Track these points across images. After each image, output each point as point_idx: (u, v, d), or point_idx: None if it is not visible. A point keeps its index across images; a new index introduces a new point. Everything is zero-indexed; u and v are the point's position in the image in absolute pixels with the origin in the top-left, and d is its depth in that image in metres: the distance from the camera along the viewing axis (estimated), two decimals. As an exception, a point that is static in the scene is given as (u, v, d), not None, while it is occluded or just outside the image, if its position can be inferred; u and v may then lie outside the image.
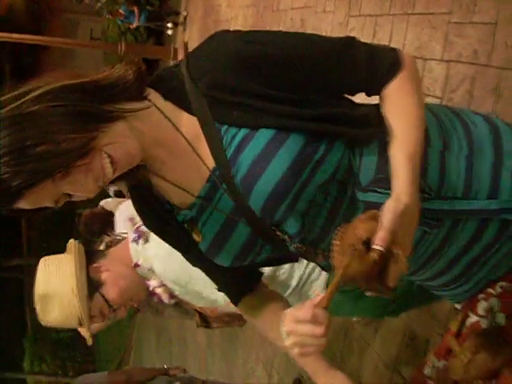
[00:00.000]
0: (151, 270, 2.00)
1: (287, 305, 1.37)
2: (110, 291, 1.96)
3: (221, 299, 1.96)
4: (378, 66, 1.16)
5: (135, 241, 2.02)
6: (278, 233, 1.18)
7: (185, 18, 12.03)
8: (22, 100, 1.03)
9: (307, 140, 1.09)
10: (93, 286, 1.94)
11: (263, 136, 1.09)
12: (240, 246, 1.22)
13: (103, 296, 1.95)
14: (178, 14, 12.56)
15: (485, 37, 2.77)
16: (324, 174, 1.11)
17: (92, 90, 1.08)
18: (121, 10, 12.75)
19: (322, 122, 1.11)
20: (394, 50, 1.20)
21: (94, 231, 4.04)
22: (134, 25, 12.59)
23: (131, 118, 1.11)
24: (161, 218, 1.28)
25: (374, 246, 0.98)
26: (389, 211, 1.00)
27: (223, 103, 1.11)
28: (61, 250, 2.01)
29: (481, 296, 1.34)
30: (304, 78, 1.13)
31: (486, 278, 1.31)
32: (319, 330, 1.02)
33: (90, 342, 1.99)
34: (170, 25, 12.31)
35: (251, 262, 1.26)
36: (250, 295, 1.39)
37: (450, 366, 1.40)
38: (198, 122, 1.13)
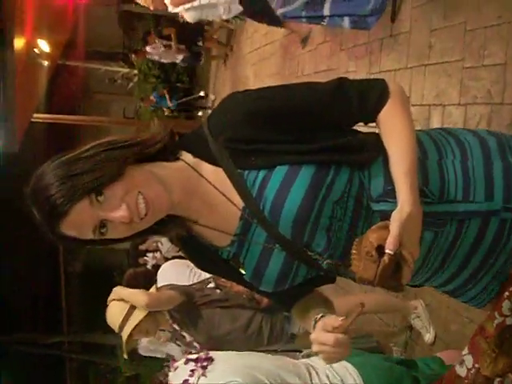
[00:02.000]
0: None
1: (330, 306, 1.50)
2: None
3: None
4: (368, 98, 1.34)
5: None
6: (310, 252, 1.34)
7: (213, 102, 12.44)
8: (79, 151, 1.28)
9: (317, 168, 1.27)
10: None
11: (280, 172, 1.28)
12: (278, 270, 1.38)
13: None
14: (206, 97, 12.96)
15: (497, 77, 2.94)
16: (337, 192, 1.28)
17: (132, 145, 1.31)
18: (152, 97, 13.21)
19: (327, 153, 1.29)
20: (381, 80, 1.38)
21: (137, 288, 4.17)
22: (168, 108, 12.98)
23: (164, 174, 1.31)
24: (210, 260, 1.46)
25: (386, 251, 1.16)
26: (394, 220, 1.19)
27: (242, 152, 1.30)
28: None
29: (506, 295, 1.45)
30: (307, 121, 1.32)
31: (496, 278, 1.47)
32: (339, 349, 1.23)
33: None
34: (200, 113, 12.82)
35: (291, 284, 1.41)
36: (300, 301, 1.53)
37: (480, 363, 1.49)
38: (223, 172, 1.33)
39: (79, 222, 1.23)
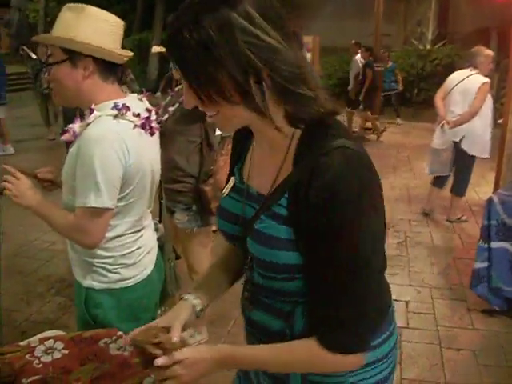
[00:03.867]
0: None
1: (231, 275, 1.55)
2: None
3: None
4: (338, 330, 1.19)
5: None
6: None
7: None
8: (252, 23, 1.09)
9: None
10: None
11: (284, 231, 1.20)
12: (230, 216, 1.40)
13: None
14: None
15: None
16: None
17: (278, 60, 1.10)
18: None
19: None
20: (359, 351, 1.22)
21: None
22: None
23: (258, 119, 1.18)
24: (239, 151, 1.47)
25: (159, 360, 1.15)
26: (205, 350, 1.19)
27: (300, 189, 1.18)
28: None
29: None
30: (316, 251, 1.18)
31: None
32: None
33: None
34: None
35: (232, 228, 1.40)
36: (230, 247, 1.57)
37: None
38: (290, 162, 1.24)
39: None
